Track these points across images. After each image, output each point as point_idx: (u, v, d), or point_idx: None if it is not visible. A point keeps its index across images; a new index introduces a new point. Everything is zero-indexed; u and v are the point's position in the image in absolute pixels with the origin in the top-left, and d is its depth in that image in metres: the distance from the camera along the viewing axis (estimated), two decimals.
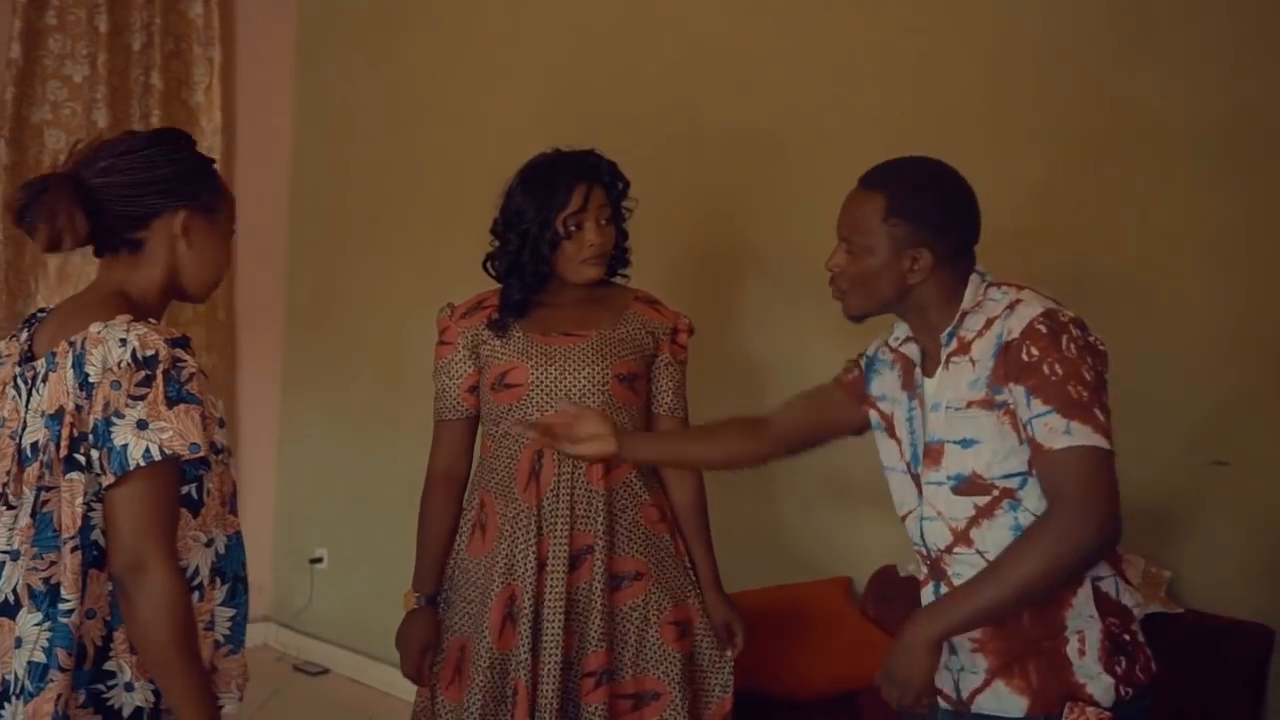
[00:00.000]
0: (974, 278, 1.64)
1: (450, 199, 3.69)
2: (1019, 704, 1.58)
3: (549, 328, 2.16)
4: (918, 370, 1.70)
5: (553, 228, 2.10)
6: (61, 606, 1.45)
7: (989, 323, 1.59)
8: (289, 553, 4.38)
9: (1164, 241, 2.38)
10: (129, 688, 1.51)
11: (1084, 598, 1.56)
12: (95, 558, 1.49)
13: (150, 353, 1.45)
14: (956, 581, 1.62)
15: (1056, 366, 1.50)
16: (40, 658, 1.44)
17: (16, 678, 1.46)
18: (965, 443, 1.58)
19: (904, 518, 1.73)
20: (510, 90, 3.58)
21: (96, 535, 1.49)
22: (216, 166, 1.66)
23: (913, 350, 1.71)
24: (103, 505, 1.47)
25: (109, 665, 1.51)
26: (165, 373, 1.45)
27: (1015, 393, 1.52)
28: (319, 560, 4.23)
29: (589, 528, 2.11)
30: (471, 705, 2.11)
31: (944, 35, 2.69)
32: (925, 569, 1.69)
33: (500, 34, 3.63)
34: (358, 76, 4.12)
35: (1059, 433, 1.48)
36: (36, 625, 1.45)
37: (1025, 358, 1.52)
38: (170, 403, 1.44)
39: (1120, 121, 2.44)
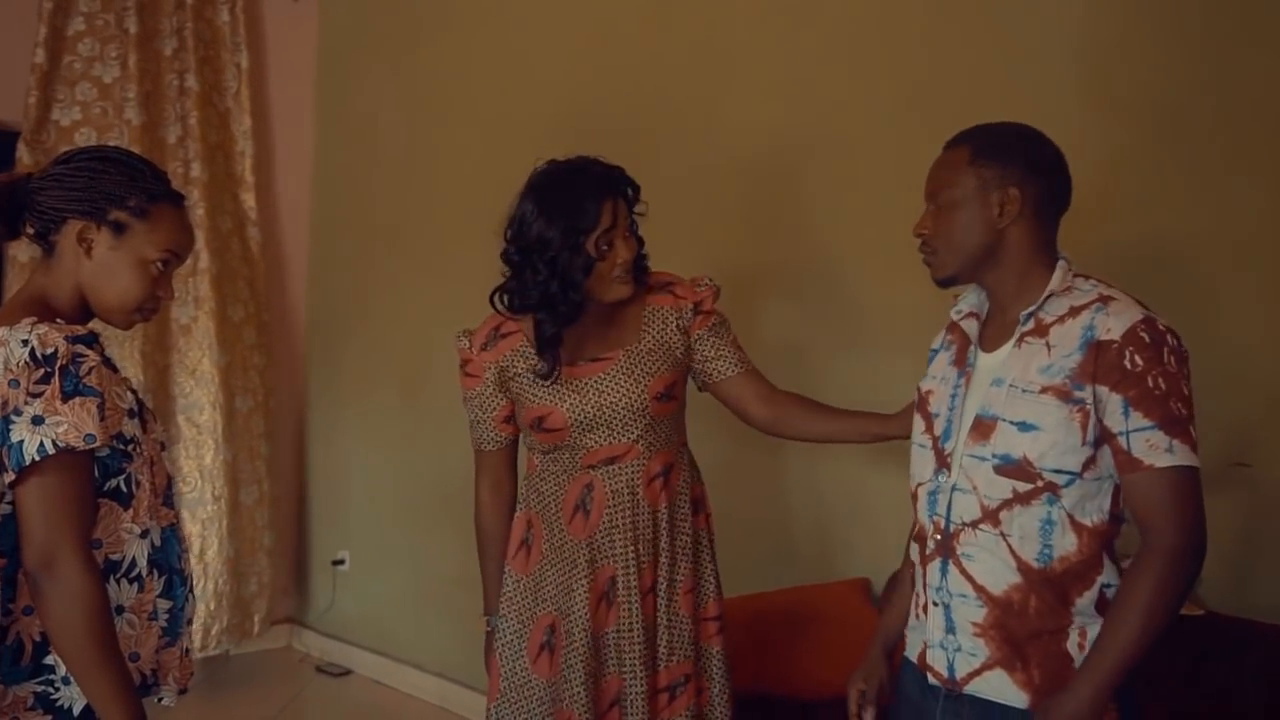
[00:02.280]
0: (1061, 263, 1.64)
1: (472, 205, 3.69)
2: (1021, 698, 1.58)
3: (575, 354, 2.08)
4: (973, 347, 1.69)
5: (584, 251, 1.95)
6: None
7: (1074, 311, 1.58)
8: (312, 554, 4.42)
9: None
10: (66, 681, 1.52)
11: (1089, 598, 1.57)
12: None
13: (49, 350, 1.47)
14: (965, 563, 1.62)
15: (1160, 381, 1.50)
16: None
17: None
18: (1024, 426, 1.56)
19: (915, 490, 1.73)
20: (530, 98, 3.60)
21: None
22: (159, 195, 1.65)
23: (972, 327, 1.72)
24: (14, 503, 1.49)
25: (49, 660, 1.53)
26: (63, 368, 1.47)
27: (1106, 398, 1.52)
28: (341, 562, 4.26)
29: (651, 553, 2.08)
30: (510, 707, 2.12)
31: (961, 41, 2.69)
32: (932, 544, 1.67)
33: (520, 41, 3.65)
34: (378, 84, 4.15)
35: (1161, 450, 1.50)
36: None
37: (1128, 365, 1.51)
38: (66, 396, 1.46)
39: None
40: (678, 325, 2.14)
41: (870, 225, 2.81)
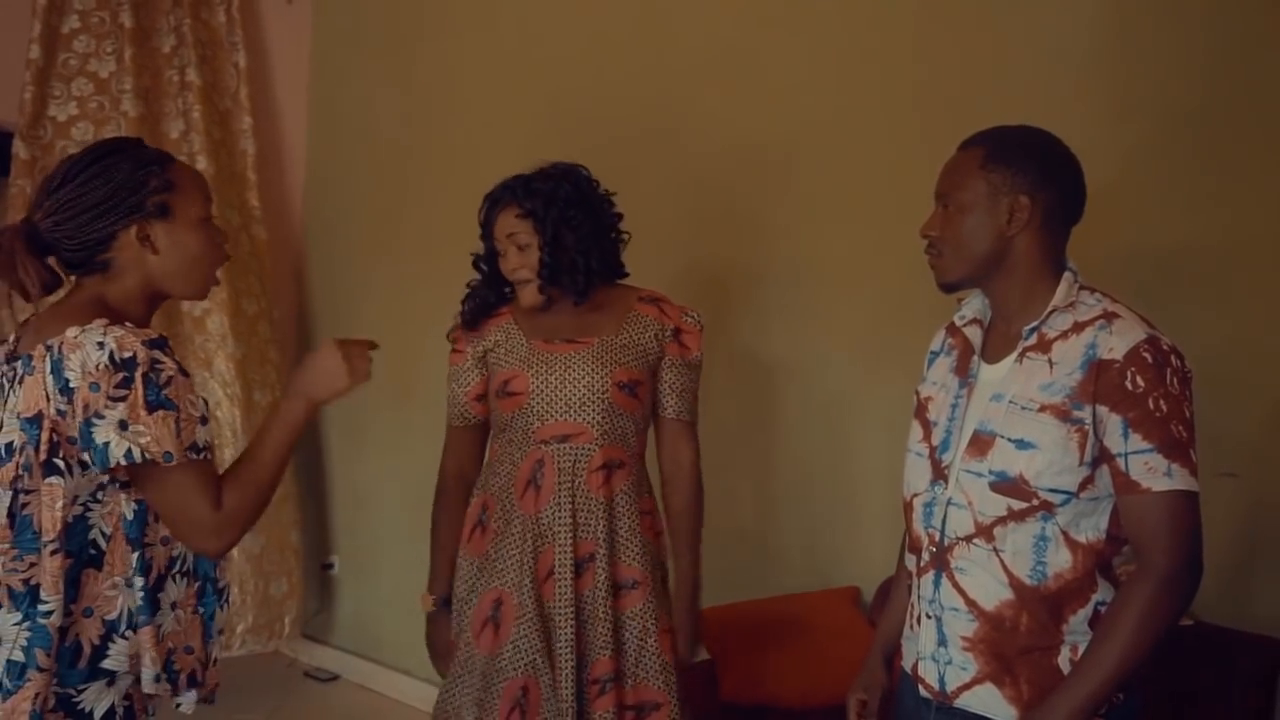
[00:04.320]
0: (1067, 275, 1.60)
1: (463, 208, 3.70)
2: (1010, 713, 1.56)
3: (552, 335, 2.17)
4: (975, 357, 1.66)
5: (490, 245, 2.20)
6: (41, 608, 1.46)
7: (1077, 327, 1.55)
8: (300, 559, 4.39)
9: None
10: (157, 679, 1.53)
11: (1083, 616, 1.55)
12: (92, 558, 1.50)
13: (128, 354, 1.46)
14: (958, 576, 1.59)
15: (1161, 403, 1.47)
16: (19, 657, 1.46)
17: None
18: (1022, 444, 1.53)
19: (909, 501, 1.70)
20: (524, 101, 3.59)
21: (95, 536, 1.50)
22: (165, 161, 1.62)
23: (975, 334, 1.68)
24: (151, 505, 1.51)
25: (107, 664, 1.52)
26: (144, 375, 1.46)
27: (1106, 419, 1.49)
28: (330, 566, 4.24)
29: (590, 535, 2.11)
30: (450, 699, 2.15)
31: (959, 41, 2.68)
32: (927, 557, 1.65)
33: (513, 43, 3.64)
34: (372, 85, 4.14)
35: (1159, 474, 1.47)
36: (15, 625, 1.47)
37: (1129, 386, 1.48)
38: (150, 408, 1.46)
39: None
40: (656, 336, 2.20)
41: (857, 229, 2.81)
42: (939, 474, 1.64)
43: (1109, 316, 1.54)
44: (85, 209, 1.54)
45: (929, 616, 1.65)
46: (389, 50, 4.08)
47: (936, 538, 1.63)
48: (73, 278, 1.62)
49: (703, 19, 3.17)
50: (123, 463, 1.44)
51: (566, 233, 2.14)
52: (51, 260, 1.58)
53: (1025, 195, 1.57)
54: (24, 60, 3.59)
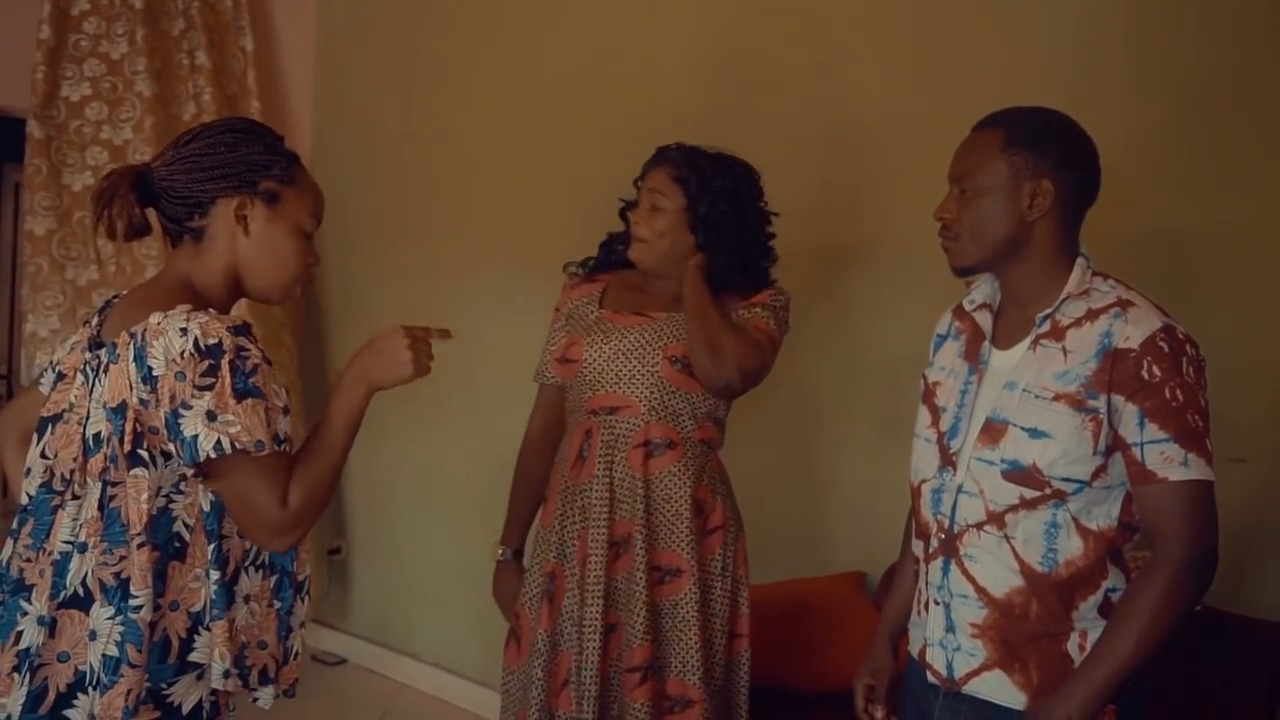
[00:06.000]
0: (1080, 261, 1.58)
1: (469, 195, 3.70)
2: (1020, 699, 1.56)
3: (624, 307, 2.14)
4: (986, 343, 1.65)
5: (638, 195, 2.18)
6: (131, 602, 1.43)
7: (1091, 315, 1.54)
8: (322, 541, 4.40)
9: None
10: (226, 675, 1.50)
11: (1093, 602, 1.55)
12: (177, 550, 1.48)
13: (213, 341, 1.43)
14: (968, 564, 1.59)
15: (1178, 392, 1.47)
16: (113, 651, 1.43)
17: (92, 669, 1.45)
18: (1035, 432, 1.52)
19: (917, 486, 1.70)
20: (530, 87, 3.57)
21: (179, 528, 1.48)
22: (294, 158, 1.62)
23: (985, 319, 1.66)
24: (221, 497, 1.48)
25: (194, 657, 1.49)
26: (231, 363, 1.43)
27: (1122, 408, 1.49)
28: (337, 551, 4.25)
29: (629, 514, 2.06)
30: (520, 677, 2.14)
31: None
32: (935, 543, 1.65)
33: (519, 28, 3.62)
34: (377, 71, 4.13)
35: (1176, 463, 1.46)
36: (109, 619, 1.44)
37: (1146, 376, 1.47)
38: (239, 396, 1.43)
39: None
40: (731, 314, 2.13)
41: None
42: (947, 460, 1.63)
43: (1124, 304, 1.53)
44: (202, 167, 1.53)
45: (937, 603, 1.64)
46: (393, 34, 4.06)
47: (945, 524, 1.63)
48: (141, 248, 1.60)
49: (706, 12, 3.14)
50: (212, 455, 1.41)
51: (698, 211, 2.11)
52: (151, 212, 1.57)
53: (1048, 179, 1.55)
54: (34, 41, 3.58)
